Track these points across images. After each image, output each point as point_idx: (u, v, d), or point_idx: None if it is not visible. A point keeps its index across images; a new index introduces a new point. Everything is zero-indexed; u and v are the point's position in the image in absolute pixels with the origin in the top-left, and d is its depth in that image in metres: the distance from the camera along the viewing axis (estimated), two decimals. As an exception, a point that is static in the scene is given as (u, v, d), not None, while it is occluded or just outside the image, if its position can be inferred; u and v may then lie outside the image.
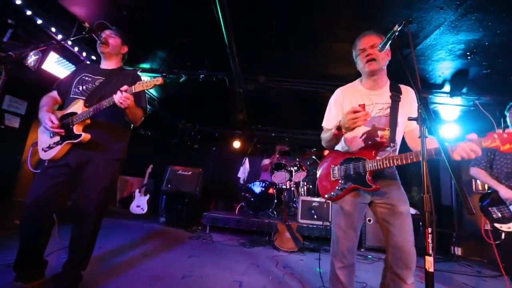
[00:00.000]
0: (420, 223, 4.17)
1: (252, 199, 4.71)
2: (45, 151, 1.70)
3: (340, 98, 1.61)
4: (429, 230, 0.82)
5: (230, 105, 4.91)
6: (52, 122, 1.64)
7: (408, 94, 1.51)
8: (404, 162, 1.28)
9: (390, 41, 1.17)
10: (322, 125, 1.67)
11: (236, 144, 6.94)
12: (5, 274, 1.90)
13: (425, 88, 3.44)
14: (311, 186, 5.90)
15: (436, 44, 2.55)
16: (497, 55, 2.65)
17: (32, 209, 1.61)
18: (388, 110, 1.49)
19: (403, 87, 1.53)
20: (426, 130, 0.86)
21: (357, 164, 1.46)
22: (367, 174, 1.42)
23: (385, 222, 1.45)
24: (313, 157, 6.13)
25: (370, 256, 3.73)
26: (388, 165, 1.34)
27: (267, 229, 4.19)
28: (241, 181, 6.08)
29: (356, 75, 1.64)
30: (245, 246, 3.74)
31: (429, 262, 0.81)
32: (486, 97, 3.37)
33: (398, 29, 1.09)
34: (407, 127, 1.52)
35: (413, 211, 4.55)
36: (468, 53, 2.64)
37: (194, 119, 6.43)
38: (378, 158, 1.40)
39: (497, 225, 2.25)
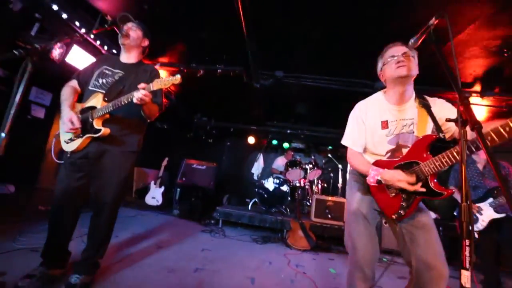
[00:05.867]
0: (441, 228, 4.00)
1: (265, 195, 4.68)
2: (67, 143, 1.75)
3: (362, 114, 1.50)
4: (467, 242, 0.74)
5: (246, 101, 4.88)
6: (72, 124, 1.67)
7: (436, 102, 1.39)
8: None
9: (424, 36, 1.08)
10: (346, 144, 1.55)
11: (251, 139, 6.93)
12: (30, 257, 1.99)
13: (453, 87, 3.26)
14: (325, 185, 5.80)
15: (470, 40, 2.38)
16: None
17: (62, 200, 1.69)
18: (412, 127, 1.39)
19: (429, 98, 1.42)
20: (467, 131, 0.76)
21: (412, 170, 1.25)
22: (429, 180, 1.20)
23: (407, 235, 1.36)
24: (329, 155, 6.02)
25: (385, 259, 3.62)
26: (449, 163, 1.12)
27: (280, 226, 4.16)
28: (255, 177, 6.07)
29: (376, 75, 1.54)
30: (257, 242, 3.73)
31: (466, 277, 0.73)
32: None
33: (435, 22, 1.01)
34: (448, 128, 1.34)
35: (433, 215, 4.36)
36: (505, 50, 2.44)
37: (210, 114, 6.47)
38: (434, 157, 1.19)
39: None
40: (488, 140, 0.87)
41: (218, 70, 3.66)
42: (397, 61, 1.36)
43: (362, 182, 1.48)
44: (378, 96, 1.52)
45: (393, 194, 1.34)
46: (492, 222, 2.56)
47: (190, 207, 4.79)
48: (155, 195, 5.07)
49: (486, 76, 2.92)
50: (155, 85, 1.55)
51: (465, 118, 0.75)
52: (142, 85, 1.56)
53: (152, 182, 5.22)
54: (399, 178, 1.23)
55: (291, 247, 3.66)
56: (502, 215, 2.53)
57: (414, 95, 1.45)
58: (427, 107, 1.35)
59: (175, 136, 7.13)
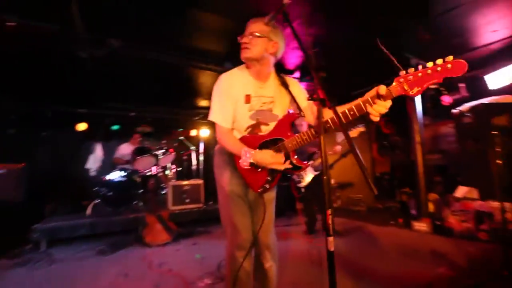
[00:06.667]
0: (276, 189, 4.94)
1: (110, 193, 3.89)
2: None
3: (228, 87, 1.40)
4: (329, 211, 0.82)
5: (70, 75, 3.67)
6: None
7: (293, 82, 1.49)
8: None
9: (278, 14, 1.11)
10: (214, 120, 1.40)
11: (82, 126, 5.40)
12: None
13: (281, 71, 3.90)
14: (180, 169, 5.64)
15: (293, 33, 2.84)
16: (339, 53, 3.28)
17: None
18: (271, 105, 1.44)
19: (286, 77, 1.49)
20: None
21: (277, 147, 1.34)
22: (291, 156, 1.32)
23: (250, 209, 1.47)
24: (181, 137, 5.82)
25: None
26: (308, 140, 1.25)
27: (134, 225, 3.62)
28: (93, 173, 4.91)
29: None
30: (105, 254, 3.03)
31: (330, 242, 0.83)
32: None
33: (288, 2, 1.05)
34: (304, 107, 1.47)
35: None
36: (315, 46, 3.11)
37: (4, 92, 4.34)
38: (296, 135, 1.29)
39: (299, 185, 3.48)
40: (344, 117, 1.01)
41: (10, 23, 2.38)
42: (241, 43, 1.34)
43: (229, 161, 1.44)
44: (242, 69, 1.45)
45: (260, 169, 1.38)
46: (313, 179, 3.40)
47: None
48: None
49: (303, 65, 3.71)
50: None
51: (323, 98, 0.82)
52: None
53: None
54: (271, 160, 1.27)
55: (150, 245, 3.27)
56: (318, 172, 3.41)
57: (272, 74, 1.46)
58: (286, 87, 1.41)
59: None
